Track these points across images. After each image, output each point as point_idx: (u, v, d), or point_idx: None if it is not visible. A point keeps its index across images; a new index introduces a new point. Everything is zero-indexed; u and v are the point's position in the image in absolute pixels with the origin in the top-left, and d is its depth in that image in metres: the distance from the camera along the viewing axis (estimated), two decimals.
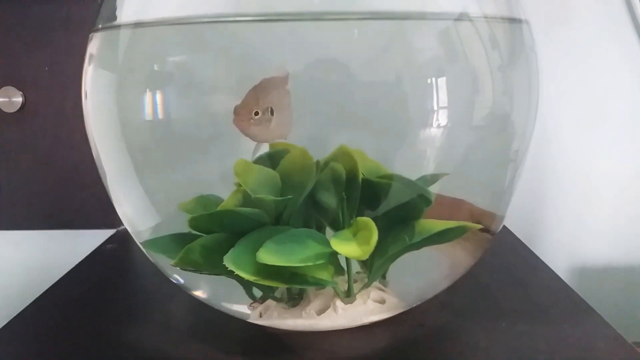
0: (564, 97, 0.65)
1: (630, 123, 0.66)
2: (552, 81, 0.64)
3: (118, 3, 0.35)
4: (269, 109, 0.31)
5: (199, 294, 0.36)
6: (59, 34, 0.63)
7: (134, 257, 0.55)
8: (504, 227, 0.57)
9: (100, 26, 0.34)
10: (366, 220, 0.31)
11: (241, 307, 0.35)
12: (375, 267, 0.34)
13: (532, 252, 0.50)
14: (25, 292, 0.48)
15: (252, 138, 0.31)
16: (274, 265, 0.30)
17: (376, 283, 0.36)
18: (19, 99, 0.64)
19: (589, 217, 0.68)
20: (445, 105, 0.30)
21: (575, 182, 0.67)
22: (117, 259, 0.56)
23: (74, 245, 0.65)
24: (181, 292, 0.38)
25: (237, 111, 0.30)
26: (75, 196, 0.66)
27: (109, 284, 0.48)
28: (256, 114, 0.30)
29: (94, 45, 0.34)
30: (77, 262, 0.54)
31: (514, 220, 0.56)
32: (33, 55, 0.63)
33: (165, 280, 0.37)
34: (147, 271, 0.48)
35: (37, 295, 0.46)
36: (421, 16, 0.31)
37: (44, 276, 0.53)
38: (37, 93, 0.64)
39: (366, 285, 0.35)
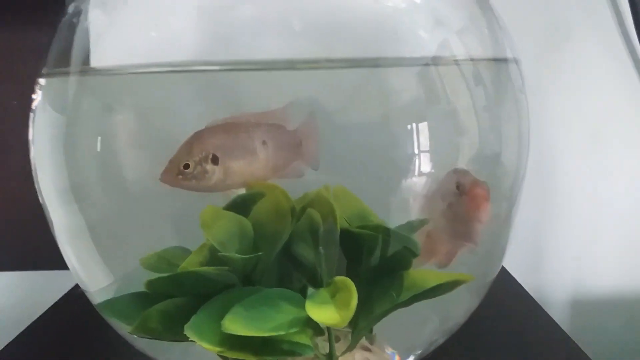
0: (561, 123, 0.62)
1: (630, 147, 0.63)
2: (547, 107, 0.61)
3: (76, 46, 0.32)
4: (209, 157, 0.27)
5: None
6: (28, 64, 0.60)
7: None
8: (502, 268, 0.54)
9: (45, 71, 0.31)
10: (345, 281, 0.27)
11: None
12: (359, 327, 0.31)
13: (531, 297, 0.46)
14: None
15: (194, 191, 0.28)
16: None
17: (362, 340, 0.33)
18: None
19: (592, 246, 0.65)
20: (428, 149, 0.27)
21: (576, 210, 0.64)
22: (87, 305, 0.52)
23: (45, 287, 0.62)
24: None
25: (167, 167, 0.27)
26: (45, 235, 0.62)
27: (76, 336, 0.45)
28: (186, 166, 0.27)
29: (42, 90, 0.31)
30: (48, 306, 0.51)
31: (512, 254, 0.53)
32: (0, 87, 0.60)
33: None
34: None
35: (4, 343, 0.44)
36: (397, 62, 0.28)
37: (14, 320, 0.50)
38: (5, 127, 0.61)
39: (350, 348, 0.31)
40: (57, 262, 0.61)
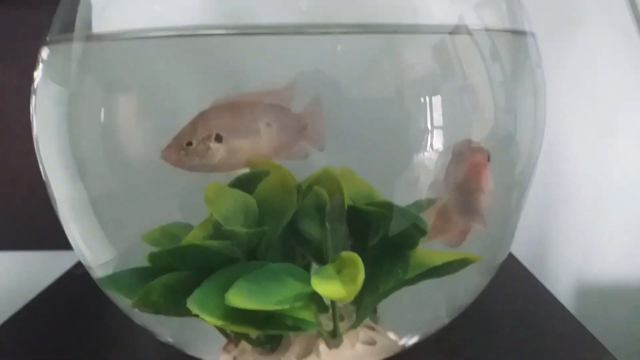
0: (571, 109, 0.62)
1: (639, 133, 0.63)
2: (557, 92, 0.61)
3: (80, 12, 0.31)
4: (213, 136, 0.27)
5: (165, 337, 0.32)
6: (29, 43, 0.59)
7: None
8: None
9: (49, 38, 0.30)
10: (352, 256, 0.27)
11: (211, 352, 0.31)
12: (364, 305, 0.30)
13: (536, 279, 0.46)
14: None
15: (196, 171, 0.27)
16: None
17: (365, 320, 0.32)
18: None
19: (598, 234, 0.64)
20: (441, 125, 0.26)
21: (583, 197, 0.64)
22: (85, 285, 0.52)
23: (45, 267, 0.61)
24: None
25: (169, 143, 0.26)
26: (46, 215, 0.61)
27: (73, 316, 0.44)
28: (189, 144, 0.26)
29: (43, 59, 0.31)
30: (45, 285, 0.51)
31: (518, 239, 0.53)
32: (1, 66, 0.60)
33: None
34: None
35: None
36: (413, 29, 0.27)
37: (11, 299, 0.50)
38: (4, 106, 0.60)
39: (354, 326, 0.31)
40: (55, 242, 0.61)
